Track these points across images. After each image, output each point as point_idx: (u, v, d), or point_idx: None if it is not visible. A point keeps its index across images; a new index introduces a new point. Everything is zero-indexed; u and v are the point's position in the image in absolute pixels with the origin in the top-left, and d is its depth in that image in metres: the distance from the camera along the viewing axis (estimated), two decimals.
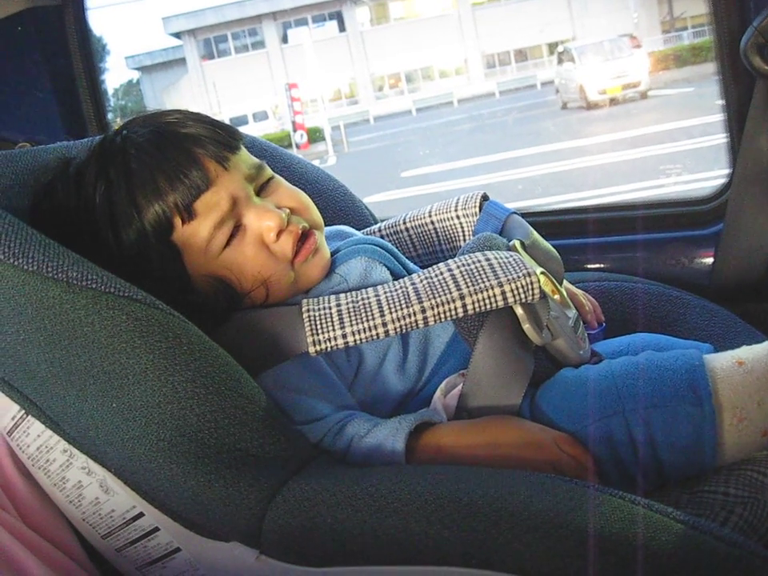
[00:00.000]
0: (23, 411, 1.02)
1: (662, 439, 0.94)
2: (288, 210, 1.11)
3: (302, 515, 0.88)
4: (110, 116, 2.04)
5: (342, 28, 32.17)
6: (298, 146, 18.88)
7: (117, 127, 1.14)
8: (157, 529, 1.02)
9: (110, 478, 1.00)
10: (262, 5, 31.13)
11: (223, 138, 1.09)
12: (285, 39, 32.07)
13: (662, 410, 0.95)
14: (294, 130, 19.63)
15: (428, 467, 0.92)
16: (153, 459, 0.91)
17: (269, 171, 1.15)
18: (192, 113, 1.12)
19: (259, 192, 1.12)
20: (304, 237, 1.11)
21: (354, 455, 0.98)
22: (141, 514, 1.01)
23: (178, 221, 1.05)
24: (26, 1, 1.76)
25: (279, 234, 1.09)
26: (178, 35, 32.04)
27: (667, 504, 0.86)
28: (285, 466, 0.94)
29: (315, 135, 20.02)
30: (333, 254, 1.17)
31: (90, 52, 1.89)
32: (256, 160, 1.14)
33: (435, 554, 0.83)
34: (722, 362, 0.98)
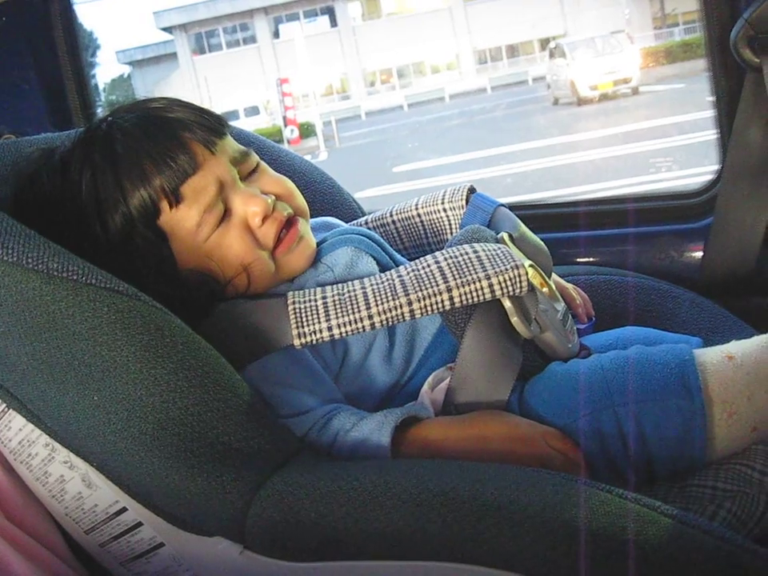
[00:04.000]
0: (4, 405, 1.01)
1: (651, 434, 0.94)
2: (273, 197, 1.10)
3: (286, 510, 0.87)
4: (99, 111, 2.02)
5: (333, 23, 32.09)
6: (288, 141, 18.84)
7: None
8: (140, 524, 1.01)
9: (93, 472, 0.99)
10: None
11: (210, 123, 1.08)
12: (276, 34, 31.99)
13: (652, 404, 0.94)
14: (285, 125, 19.58)
15: (413, 461, 0.91)
16: (135, 453, 0.90)
17: (255, 157, 1.14)
18: (178, 99, 1.11)
19: (244, 178, 1.11)
20: (289, 224, 1.11)
21: (340, 449, 0.97)
22: (124, 509, 1.00)
23: (165, 205, 1.04)
24: None
25: (264, 219, 1.08)
26: (169, 30, 31.94)
27: (656, 498, 0.85)
28: (269, 460, 0.93)
29: (307, 130, 19.97)
30: (319, 243, 1.16)
31: (75, 43, 1.87)
32: (242, 146, 1.13)
33: (421, 549, 0.82)
34: (711, 356, 0.97)
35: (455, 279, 0.97)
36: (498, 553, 0.79)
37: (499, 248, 1.02)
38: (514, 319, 1.01)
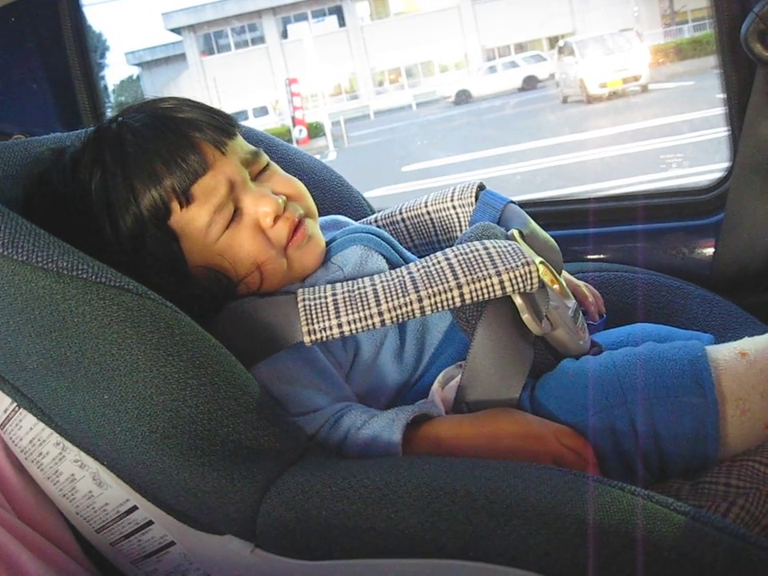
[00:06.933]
0: (15, 404, 1.01)
1: (664, 431, 0.93)
2: (284, 197, 1.10)
3: (297, 508, 0.87)
4: (108, 112, 2.02)
5: (341, 23, 32.07)
6: (297, 141, 18.84)
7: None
8: (151, 522, 1.01)
9: (103, 470, 0.99)
10: (261, 0, 31.09)
11: (220, 123, 1.08)
12: (285, 34, 31.99)
13: (665, 401, 0.94)
14: (294, 125, 19.58)
15: (424, 459, 0.91)
16: (145, 451, 0.90)
17: (265, 158, 1.14)
18: (188, 99, 1.11)
19: (255, 178, 1.11)
20: (297, 225, 1.11)
21: (350, 447, 0.97)
22: (134, 508, 1.00)
23: (175, 205, 1.04)
24: None
25: (276, 219, 1.08)
26: (177, 31, 31.98)
27: (668, 495, 0.85)
28: (279, 458, 0.92)
29: (316, 130, 19.97)
30: (329, 243, 1.16)
31: (84, 44, 1.87)
32: (252, 146, 1.13)
33: (432, 546, 0.82)
34: (724, 353, 0.97)
35: (465, 276, 0.97)
36: (508, 550, 0.79)
37: (510, 245, 1.02)
38: (525, 316, 1.00)
